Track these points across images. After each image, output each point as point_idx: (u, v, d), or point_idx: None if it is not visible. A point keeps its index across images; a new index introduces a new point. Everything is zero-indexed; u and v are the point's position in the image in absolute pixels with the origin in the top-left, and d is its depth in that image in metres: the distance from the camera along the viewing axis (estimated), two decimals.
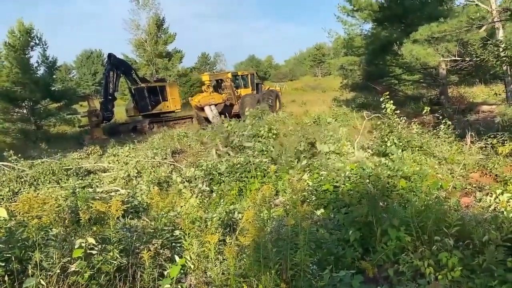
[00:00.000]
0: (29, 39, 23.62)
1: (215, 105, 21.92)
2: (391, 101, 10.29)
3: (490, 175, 8.31)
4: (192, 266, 3.61)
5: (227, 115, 20.61)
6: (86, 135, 22.02)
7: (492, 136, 9.75)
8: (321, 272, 3.57)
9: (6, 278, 2.96)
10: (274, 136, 9.57)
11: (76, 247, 3.34)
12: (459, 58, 14.80)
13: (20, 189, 9.15)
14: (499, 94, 21.56)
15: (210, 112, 21.27)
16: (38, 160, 11.36)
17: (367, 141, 12.11)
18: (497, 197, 6.08)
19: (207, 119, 22.03)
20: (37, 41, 24.05)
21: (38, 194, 4.50)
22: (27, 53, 23.83)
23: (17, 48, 22.85)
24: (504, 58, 11.07)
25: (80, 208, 3.92)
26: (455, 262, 3.44)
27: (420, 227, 3.95)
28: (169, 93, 26.40)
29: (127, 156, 11.99)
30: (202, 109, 22.16)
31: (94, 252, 3.39)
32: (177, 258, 3.61)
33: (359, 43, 21.32)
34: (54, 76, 26.32)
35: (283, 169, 8.62)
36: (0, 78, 22.42)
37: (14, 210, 3.64)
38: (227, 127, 13.18)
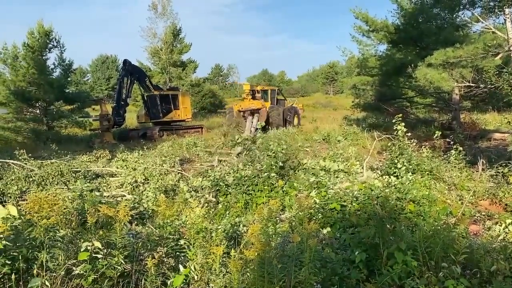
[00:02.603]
0: (48, 41, 23.95)
1: (258, 113, 22.67)
2: (403, 123, 10.25)
3: (500, 204, 8.20)
4: (195, 277, 3.60)
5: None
6: (96, 139, 22.19)
7: (503, 164, 9.64)
8: None
9: (12, 276, 2.97)
10: (283, 151, 9.54)
11: (82, 250, 3.34)
12: (473, 84, 14.75)
13: (28, 188, 9.21)
14: None
15: (249, 123, 21.70)
16: (47, 161, 11.46)
17: (376, 161, 12.07)
18: (506, 226, 5.99)
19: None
20: (55, 43, 24.40)
21: (48, 194, 4.53)
22: (44, 54, 24.14)
23: (35, 49, 23.17)
24: None
25: (88, 211, 3.93)
26: None
27: (427, 252, 3.90)
28: (181, 102, 26.64)
29: (135, 162, 12.06)
30: (243, 115, 22.94)
31: (99, 256, 3.39)
32: (181, 267, 3.59)
33: (373, 63, 21.34)
34: (69, 79, 26.61)
35: (290, 184, 8.59)
36: (17, 77, 22.76)
37: (23, 209, 3.66)
38: (237, 139, 13.25)
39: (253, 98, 24.47)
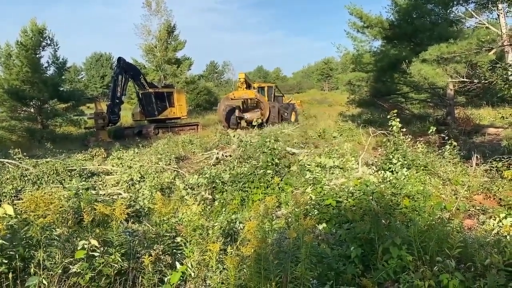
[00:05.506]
0: (41, 39, 23.83)
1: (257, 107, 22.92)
2: (398, 119, 10.29)
3: (494, 199, 8.25)
4: (192, 274, 3.61)
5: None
6: (91, 137, 22.08)
7: (497, 159, 9.69)
8: (321, 287, 3.56)
9: (9, 275, 2.97)
10: (279, 148, 9.56)
11: (78, 248, 3.35)
12: (467, 80, 14.78)
13: (23, 187, 9.17)
14: (506, 118, 21.48)
15: (234, 117, 21.82)
16: (42, 159, 11.42)
17: (371, 157, 12.10)
18: (500, 221, 6.04)
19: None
20: (49, 42, 24.29)
21: (44, 193, 4.52)
22: (38, 52, 24.01)
23: (29, 47, 23.03)
24: None
25: (84, 210, 3.93)
26: (456, 284, 3.41)
27: (422, 247, 3.93)
28: (176, 99, 26.57)
29: (131, 160, 12.02)
30: (233, 109, 22.84)
31: (96, 254, 3.40)
32: (178, 265, 3.61)
33: (367, 59, 21.35)
34: (63, 77, 26.50)
35: (286, 181, 8.61)
36: (10, 76, 22.65)
37: (19, 208, 3.66)
38: (234, 136, 13.26)
39: (248, 88, 24.41)
